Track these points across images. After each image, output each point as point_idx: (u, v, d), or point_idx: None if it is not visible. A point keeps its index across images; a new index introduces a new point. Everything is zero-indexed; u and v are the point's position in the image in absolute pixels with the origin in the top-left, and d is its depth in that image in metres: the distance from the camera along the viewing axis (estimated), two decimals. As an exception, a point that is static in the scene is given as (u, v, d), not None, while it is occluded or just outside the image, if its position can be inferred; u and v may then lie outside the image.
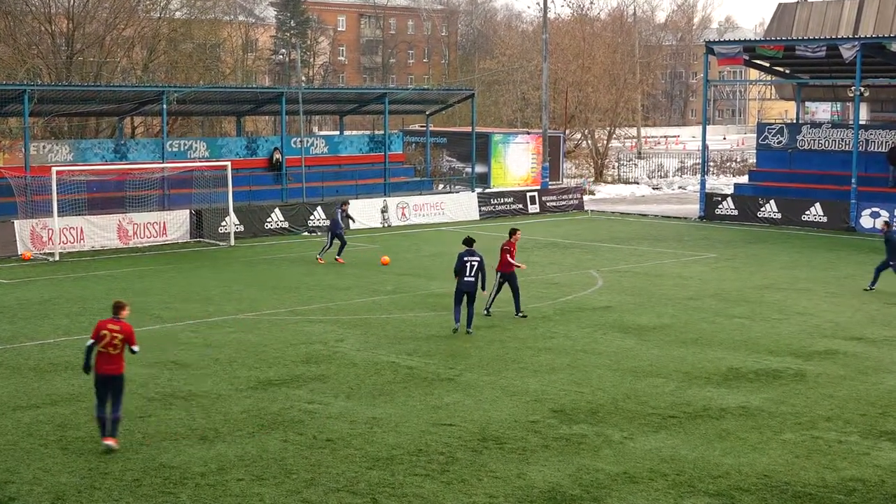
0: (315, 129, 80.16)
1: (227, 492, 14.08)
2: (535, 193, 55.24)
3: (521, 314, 26.06)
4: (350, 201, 39.89)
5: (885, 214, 48.69)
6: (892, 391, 19.67)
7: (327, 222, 41.53)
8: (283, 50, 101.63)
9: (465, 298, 24.11)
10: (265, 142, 51.75)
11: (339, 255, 35.58)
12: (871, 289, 31.00)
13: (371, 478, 14.63)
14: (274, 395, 19.00)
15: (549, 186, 58.78)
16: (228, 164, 42.26)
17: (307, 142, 52.31)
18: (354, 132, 65.46)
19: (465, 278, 24.02)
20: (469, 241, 24.66)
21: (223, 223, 41.54)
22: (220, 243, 40.72)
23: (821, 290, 31.27)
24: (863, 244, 43.20)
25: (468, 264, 24.03)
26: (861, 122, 54.70)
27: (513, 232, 26.52)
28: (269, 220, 44.18)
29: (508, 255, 25.95)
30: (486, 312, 25.82)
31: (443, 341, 23.53)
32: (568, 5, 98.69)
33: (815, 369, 21.26)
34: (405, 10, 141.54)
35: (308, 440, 16.30)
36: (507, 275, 26.06)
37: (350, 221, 41.56)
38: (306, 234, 44.19)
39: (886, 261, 31.12)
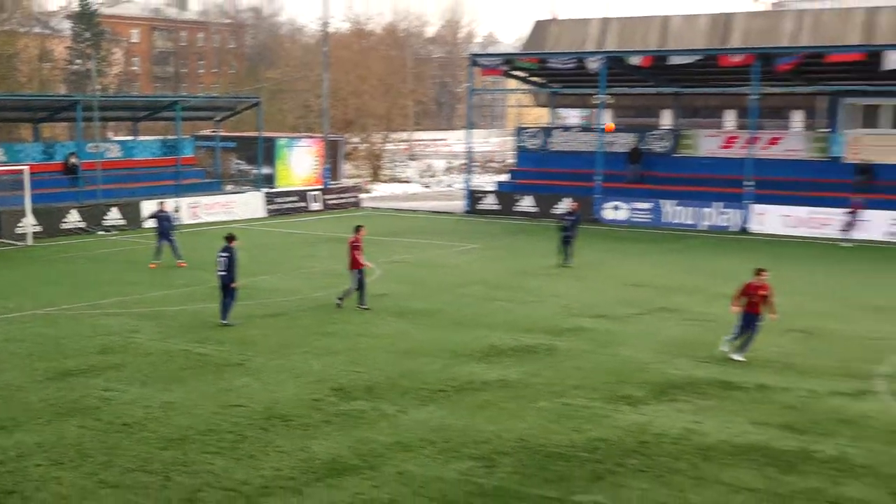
0: (110, 135, 77.87)
1: (26, 477, 13.70)
2: (317, 192, 55.29)
3: (363, 307, 25.96)
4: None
5: (625, 207, 50.71)
6: (628, 361, 20.57)
7: (123, 221, 40.41)
8: (79, 60, 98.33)
9: (222, 291, 24.01)
10: (62, 147, 50.12)
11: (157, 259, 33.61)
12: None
13: (165, 457, 14.47)
14: (72, 384, 18.51)
15: (330, 186, 58.88)
16: (26, 167, 40.77)
17: (102, 147, 50.96)
18: (148, 137, 63.92)
19: (218, 272, 23.94)
20: (230, 238, 24.45)
21: (20, 224, 40.04)
22: (18, 243, 39.23)
23: (571, 276, 32.33)
24: (607, 233, 44.93)
25: (220, 259, 23.92)
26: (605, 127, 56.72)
27: (358, 228, 26.48)
28: (65, 220, 42.80)
29: (357, 253, 25.91)
30: (360, 307, 25.87)
31: (233, 330, 23.33)
32: (346, 20, 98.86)
33: (564, 345, 22.01)
34: (196, 23, 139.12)
35: (104, 425, 15.97)
36: (360, 271, 26.02)
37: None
38: (101, 233, 43.06)
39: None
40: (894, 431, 15.97)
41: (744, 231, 47.81)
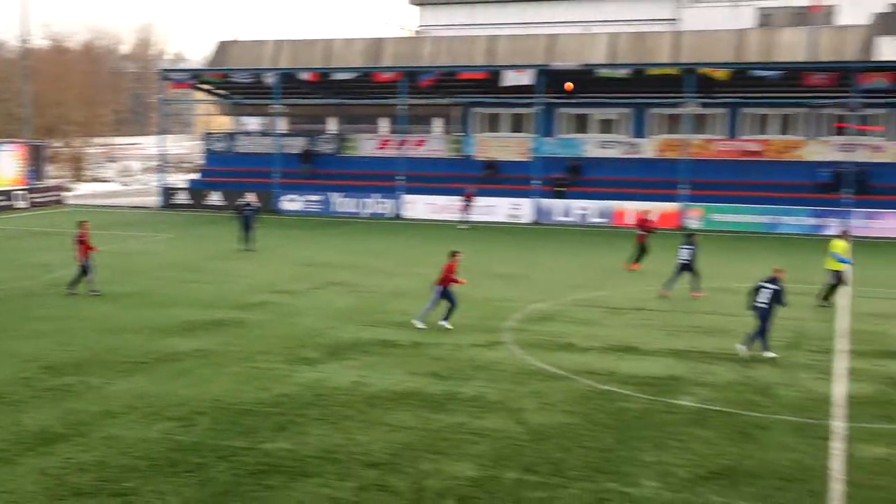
0: None
1: None
2: (23, 192, 51.52)
3: (95, 292, 24.32)
4: None
5: (300, 199, 50.58)
6: (305, 328, 20.52)
7: None
8: None
9: None
10: None
11: None
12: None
13: None
14: None
15: (35, 186, 54.97)
16: None
17: None
18: None
19: None
20: None
21: None
22: None
23: (254, 258, 31.88)
24: (284, 221, 44.67)
25: None
26: (281, 132, 56.35)
27: (81, 223, 24.83)
28: None
29: (83, 246, 24.19)
30: None
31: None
32: (45, 38, 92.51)
33: (251, 317, 21.67)
34: None
35: None
36: (87, 259, 24.31)
37: None
38: None
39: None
40: (518, 373, 16.81)
41: (398, 217, 48.93)
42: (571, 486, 11.54)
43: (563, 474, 11.91)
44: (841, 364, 17.77)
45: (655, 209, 45.33)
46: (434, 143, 56.27)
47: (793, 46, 52.85)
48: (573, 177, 50.21)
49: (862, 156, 46.98)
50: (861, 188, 44.98)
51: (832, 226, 43.65)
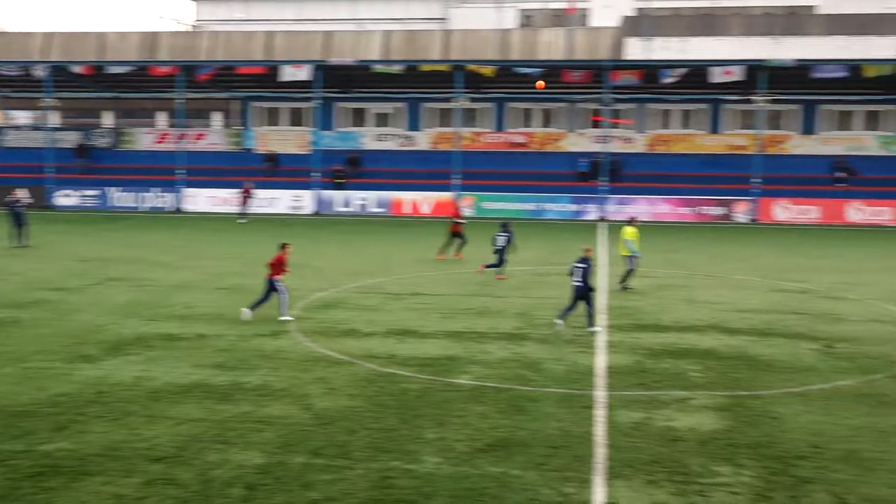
0: None
1: None
2: None
3: None
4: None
5: (75, 194, 47.98)
6: (85, 325, 19.49)
7: None
8: None
9: None
10: None
11: None
12: None
13: None
14: None
15: None
16: None
17: None
18: None
19: None
20: None
21: None
22: None
23: (29, 255, 29.97)
24: (60, 217, 42.24)
25: None
26: (53, 126, 53.19)
27: None
28: None
29: None
30: None
31: None
32: None
33: (27, 316, 20.35)
34: None
35: None
36: None
37: None
38: None
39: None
40: (303, 361, 16.64)
41: (178, 211, 47.35)
42: (357, 466, 11.54)
43: (349, 456, 11.89)
44: (601, 338, 18.67)
45: (430, 199, 46.10)
46: (214, 136, 54.84)
47: (552, 46, 55.02)
48: (352, 169, 50.28)
49: (615, 147, 49.59)
50: (615, 176, 47.50)
51: (591, 211, 45.92)
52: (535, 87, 48.29)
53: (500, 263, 26.30)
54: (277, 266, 20.18)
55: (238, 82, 52.28)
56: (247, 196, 43.86)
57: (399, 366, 16.30)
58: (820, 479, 11.21)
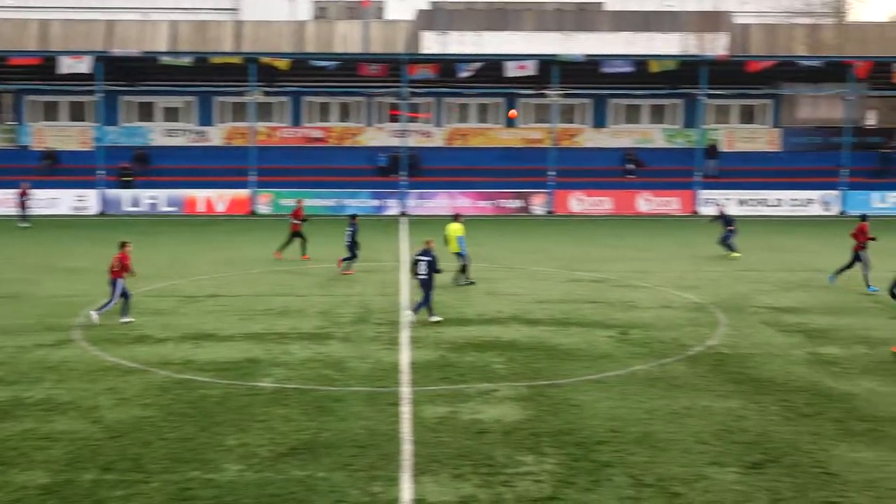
0: None
1: None
2: None
3: None
4: None
5: None
6: None
7: None
8: None
9: None
10: None
11: None
12: None
13: None
14: None
15: None
16: None
17: None
18: None
19: None
20: None
21: None
22: None
23: None
24: None
25: None
26: None
27: None
28: None
29: None
30: None
31: None
32: None
33: None
34: None
35: None
36: None
37: None
38: None
39: None
40: (91, 371, 15.91)
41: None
42: (153, 479, 11.16)
43: (144, 469, 11.48)
44: (404, 334, 18.86)
45: (225, 196, 45.20)
46: (-15, 133, 51.50)
47: (348, 38, 55.02)
48: (140, 166, 48.44)
49: (414, 141, 50.17)
50: (414, 171, 48.06)
51: (392, 206, 46.28)
52: (327, 81, 48.21)
53: (352, 257, 26.53)
54: (120, 266, 19.75)
55: (10, 74, 49.24)
56: (24, 197, 41.28)
57: (196, 371, 15.87)
58: (619, 462, 11.78)
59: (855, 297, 23.15)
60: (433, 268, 19.92)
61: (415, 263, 20.05)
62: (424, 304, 19.90)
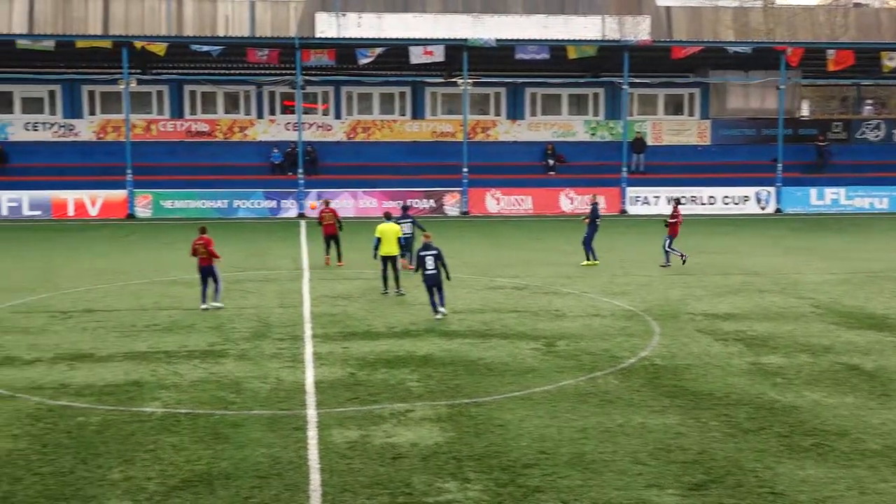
0: None
1: None
2: None
3: None
4: None
5: None
6: None
7: None
8: None
9: None
10: None
11: None
12: None
13: None
14: None
15: None
16: None
17: None
18: None
19: None
20: None
21: None
22: None
23: None
24: None
25: None
26: None
27: None
28: None
29: None
30: None
31: None
32: None
33: None
34: None
35: None
36: None
37: None
38: None
39: None
40: (-52, 398, 15.44)
41: None
42: (27, 521, 10.88)
43: (16, 509, 11.18)
44: (308, 350, 18.75)
45: (98, 198, 44.31)
46: None
47: (232, 20, 54.49)
48: (-2, 164, 47.15)
49: (311, 135, 49.94)
50: (312, 168, 47.84)
51: (290, 208, 45.96)
52: (212, 67, 47.60)
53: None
54: (208, 253, 22.52)
55: None
56: None
57: (73, 397, 15.52)
58: (549, 486, 11.90)
59: (794, 301, 23.87)
60: (441, 260, 21.51)
61: (421, 260, 21.50)
62: (440, 298, 21.59)
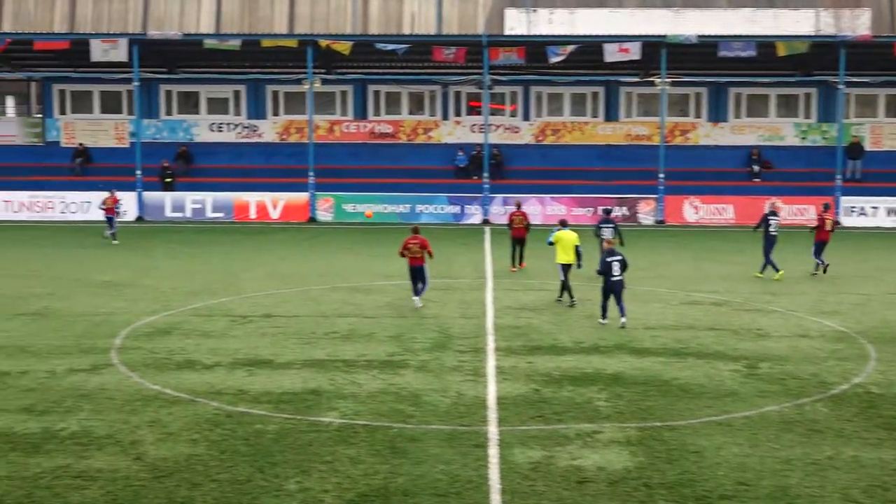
0: None
1: None
2: None
3: None
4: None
5: None
6: None
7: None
8: None
9: None
10: None
11: None
12: None
13: None
14: None
15: None
16: None
17: None
18: None
19: None
20: None
21: None
22: None
23: None
24: None
25: None
26: None
27: None
28: None
29: None
30: None
31: None
32: None
33: None
34: None
35: None
36: None
37: None
38: None
39: None
40: (131, 400, 16.22)
41: (-35, 218, 45.65)
42: (204, 528, 11.33)
43: (194, 515, 11.67)
44: (490, 363, 18.85)
45: (279, 200, 45.77)
46: (7, 126, 53.03)
47: (419, 18, 55.43)
48: (184, 165, 49.39)
49: (498, 137, 50.25)
50: (498, 172, 48.12)
51: (473, 213, 46.36)
52: (396, 67, 48.50)
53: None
54: (421, 252, 24.22)
55: (36, 60, 50.70)
56: (113, 206, 41.74)
57: (251, 403, 16.08)
58: (749, 520, 11.59)
59: None
60: (625, 267, 22.36)
61: (608, 265, 22.19)
62: (620, 308, 22.22)
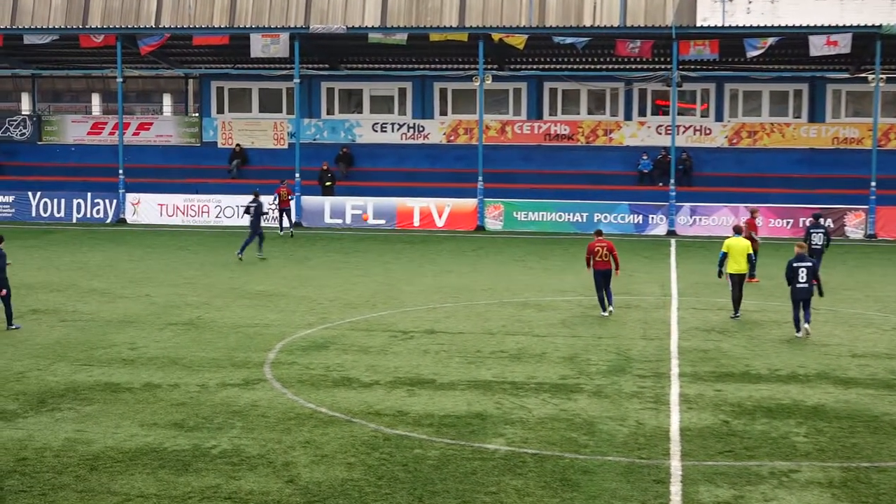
0: None
1: None
2: None
3: None
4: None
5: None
6: (0, 372, 19.57)
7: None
8: None
9: None
10: None
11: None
12: None
13: None
14: None
15: None
16: None
17: None
18: None
19: None
20: None
21: None
22: None
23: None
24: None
25: None
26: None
27: None
28: None
29: None
30: None
31: None
32: None
33: (-77, 360, 20.44)
34: None
35: None
36: None
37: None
38: None
39: None
40: (284, 419, 16.63)
41: (119, 222, 47.56)
42: (359, 559, 11.52)
43: (348, 545, 11.87)
44: (674, 390, 18.61)
45: (445, 206, 46.12)
46: (164, 126, 55.13)
47: (600, 9, 55.20)
48: (344, 168, 50.40)
49: (686, 140, 49.60)
50: (686, 178, 47.48)
51: (658, 224, 45.83)
52: (575, 63, 48.27)
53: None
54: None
55: (194, 56, 52.57)
56: (288, 198, 43.57)
57: (411, 426, 16.27)
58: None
59: None
60: (816, 275, 22.96)
61: (794, 271, 22.89)
62: (806, 314, 22.97)
